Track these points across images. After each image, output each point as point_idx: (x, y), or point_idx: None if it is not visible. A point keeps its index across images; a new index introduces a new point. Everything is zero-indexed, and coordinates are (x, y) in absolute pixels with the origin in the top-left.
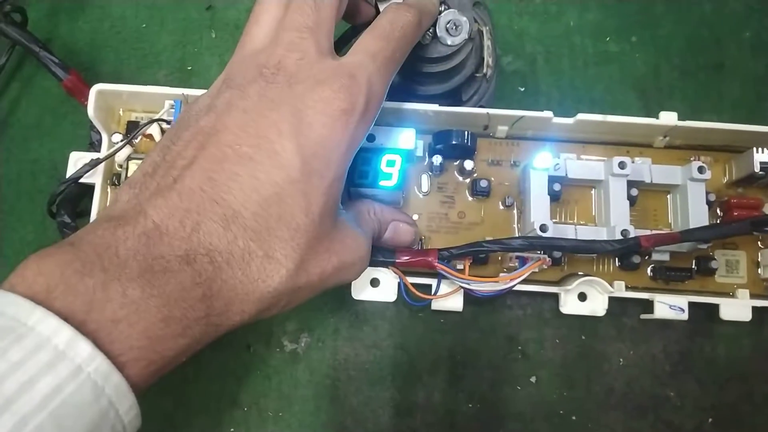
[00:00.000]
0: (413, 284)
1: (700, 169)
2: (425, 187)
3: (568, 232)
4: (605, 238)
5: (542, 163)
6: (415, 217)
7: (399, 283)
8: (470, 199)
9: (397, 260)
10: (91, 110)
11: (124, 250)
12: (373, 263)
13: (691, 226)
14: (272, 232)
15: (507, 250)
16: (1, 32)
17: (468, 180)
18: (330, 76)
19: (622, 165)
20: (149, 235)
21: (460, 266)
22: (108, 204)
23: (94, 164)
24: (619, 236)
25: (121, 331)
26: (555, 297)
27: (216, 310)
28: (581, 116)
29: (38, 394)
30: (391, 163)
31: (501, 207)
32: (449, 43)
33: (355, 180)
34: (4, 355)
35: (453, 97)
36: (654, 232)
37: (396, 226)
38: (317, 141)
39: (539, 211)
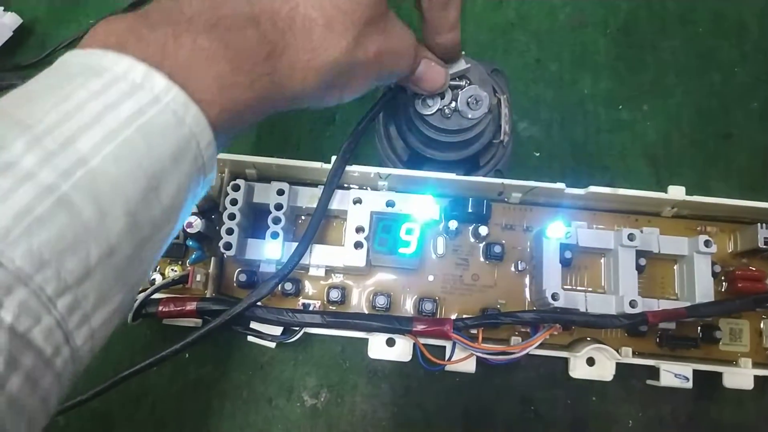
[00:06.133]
0: (429, 345)
1: (707, 243)
2: (441, 250)
3: (579, 300)
4: (614, 308)
5: (555, 233)
6: (431, 278)
7: (414, 346)
8: (484, 262)
9: (413, 329)
10: None
11: (189, 10)
12: (390, 330)
13: (697, 297)
14: (334, 2)
15: (519, 323)
16: None
17: (482, 244)
18: None
19: (631, 237)
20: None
21: (473, 330)
22: None
23: None
24: (627, 306)
25: (194, 74)
26: (566, 360)
27: (280, 71)
28: (592, 188)
29: (123, 114)
30: (410, 232)
31: (513, 271)
32: (470, 116)
33: (375, 247)
34: (85, 85)
35: (471, 162)
36: (661, 302)
37: (428, 63)
38: None
39: (551, 279)
